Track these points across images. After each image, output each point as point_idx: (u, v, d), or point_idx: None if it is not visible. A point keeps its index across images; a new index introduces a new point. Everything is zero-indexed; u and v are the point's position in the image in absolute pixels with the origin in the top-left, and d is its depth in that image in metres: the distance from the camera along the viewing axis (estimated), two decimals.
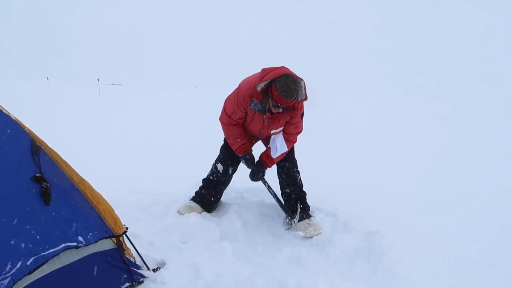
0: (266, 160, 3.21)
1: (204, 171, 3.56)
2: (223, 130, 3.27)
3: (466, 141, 7.73)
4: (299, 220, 3.31)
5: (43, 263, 1.85)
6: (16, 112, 2.17)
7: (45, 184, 1.95)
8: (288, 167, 3.36)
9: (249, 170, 3.30)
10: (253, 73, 3.05)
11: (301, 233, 3.21)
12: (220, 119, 3.25)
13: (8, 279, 1.70)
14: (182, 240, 2.99)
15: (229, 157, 3.37)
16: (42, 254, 1.85)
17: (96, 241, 2.12)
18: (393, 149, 6.78)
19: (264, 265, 2.77)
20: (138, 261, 2.45)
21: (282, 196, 3.47)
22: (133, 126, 8.55)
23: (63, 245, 1.93)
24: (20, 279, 1.76)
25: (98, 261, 2.17)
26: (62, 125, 7.90)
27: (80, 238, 2.03)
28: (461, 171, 5.43)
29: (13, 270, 1.73)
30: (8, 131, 1.96)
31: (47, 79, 17.75)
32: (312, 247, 3.07)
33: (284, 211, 3.32)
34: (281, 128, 3.15)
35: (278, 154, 3.15)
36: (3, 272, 1.70)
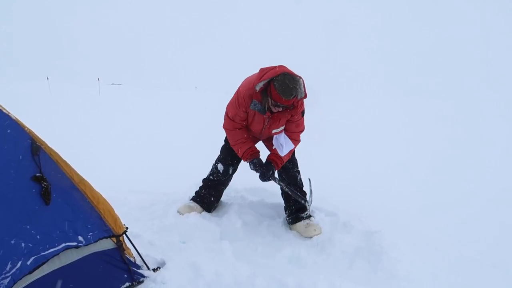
0: (275, 159, 3.15)
1: (204, 171, 3.56)
2: (228, 137, 3.24)
3: (466, 141, 7.73)
4: (299, 221, 3.31)
5: (43, 263, 1.85)
6: (16, 112, 2.17)
7: (45, 183, 1.96)
8: (288, 167, 3.36)
9: (250, 171, 3.29)
10: (253, 74, 3.05)
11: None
12: (224, 126, 3.23)
13: (8, 279, 1.71)
14: (182, 240, 2.99)
15: (229, 157, 3.37)
16: (42, 253, 1.85)
17: (96, 241, 2.12)
18: (393, 149, 6.78)
19: (264, 265, 2.77)
20: (138, 261, 2.46)
21: (282, 196, 3.47)
22: (133, 126, 8.55)
23: (63, 244, 1.94)
24: (20, 278, 1.76)
25: (98, 260, 2.18)
26: (62, 125, 7.90)
27: (80, 238, 2.03)
28: (461, 171, 5.43)
29: (13, 270, 1.73)
30: (8, 131, 1.96)
31: (47, 79, 17.76)
32: (312, 247, 3.07)
33: (298, 198, 3.23)
34: (282, 128, 3.15)
35: (285, 151, 3.12)
36: (3, 272, 1.70)
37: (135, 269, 2.37)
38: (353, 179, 4.78)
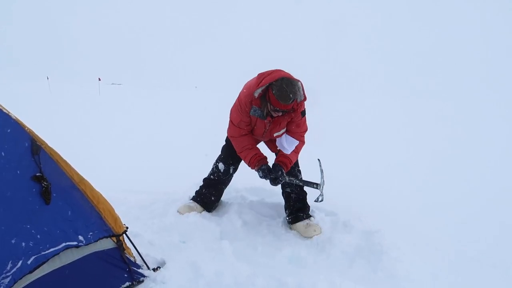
0: (283, 159, 3.10)
1: (204, 171, 3.56)
2: (234, 144, 3.20)
3: (466, 141, 7.73)
4: (299, 221, 3.31)
5: (44, 262, 1.85)
6: (16, 112, 2.17)
7: (45, 183, 1.96)
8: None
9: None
10: (253, 77, 3.04)
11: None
12: (229, 134, 3.21)
13: (8, 278, 1.71)
14: (182, 240, 2.99)
15: (230, 157, 3.37)
16: (43, 253, 1.85)
17: (97, 240, 2.12)
18: (393, 149, 6.78)
19: (264, 265, 2.77)
20: (138, 261, 2.46)
21: (282, 195, 3.47)
22: (133, 126, 8.56)
23: (63, 244, 1.94)
24: (21, 278, 1.76)
25: (99, 260, 2.18)
26: (62, 125, 7.91)
27: (80, 237, 2.03)
28: (461, 171, 5.43)
29: (14, 269, 1.73)
30: (8, 130, 1.96)
31: (47, 78, 17.79)
32: (312, 247, 3.07)
33: (310, 186, 3.17)
34: (283, 130, 3.14)
35: (289, 150, 3.09)
36: (4, 271, 1.70)
37: (135, 268, 2.37)
38: (353, 179, 4.78)
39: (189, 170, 4.34)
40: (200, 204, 3.49)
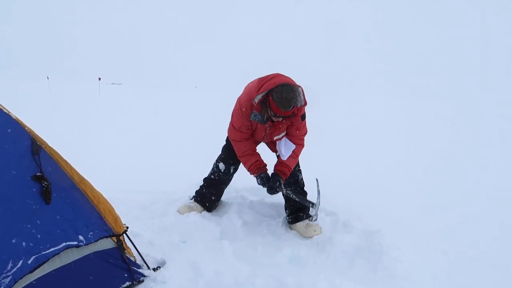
0: (282, 168, 3.12)
1: (204, 171, 3.56)
2: (235, 148, 3.20)
3: (466, 141, 7.74)
4: (299, 220, 3.31)
5: (44, 262, 1.85)
6: (17, 112, 2.17)
7: (45, 183, 1.96)
8: None
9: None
10: (253, 80, 3.04)
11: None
12: (230, 136, 3.22)
13: (9, 278, 1.71)
14: (182, 239, 2.99)
15: (230, 157, 3.37)
16: (43, 253, 1.85)
17: (97, 240, 2.12)
18: (393, 149, 6.79)
19: (264, 265, 2.77)
20: (139, 260, 2.46)
21: (282, 195, 3.47)
22: (133, 126, 8.56)
23: (63, 244, 1.94)
24: (21, 278, 1.76)
25: (99, 260, 2.18)
26: (62, 124, 7.91)
27: (80, 237, 2.03)
28: (461, 171, 5.43)
29: (14, 269, 1.73)
30: (9, 130, 1.97)
31: (47, 78, 17.80)
32: (312, 247, 3.07)
33: (306, 203, 3.18)
34: (283, 134, 3.15)
35: (286, 155, 3.10)
36: (4, 271, 1.70)
37: (135, 268, 2.37)
38: (353, 179, 4.78)
39: (189, 170, 4.34)
40: (200, 204, 3.49)
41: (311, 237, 3.17)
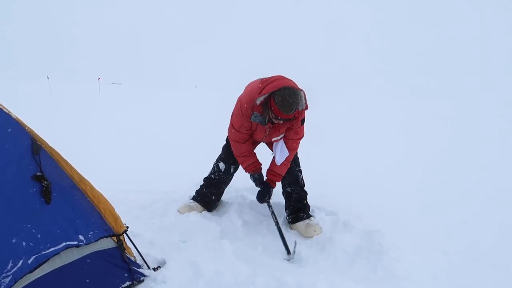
0: (272, 178, 3.20)
1: (204, 171, 3.57)
2: (233, 148, 3.23)
3: (466, 141, 7.74)
4: (299, 220, 3.31)
5: (44, 262, 1.85)
6: (17, 111, 2.17)
7: (45, 183, 1.96)
8: (290, 166, 3.36)
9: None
10: (253, 81, 3.04)
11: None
12: (229, 136, 3.23)
13: (9, 278, 1.71)
14: (183, 239, 2.99)
15: (231, 156, 3.37)
16: (43, 252, 1.85)
17: (97, 240, 2.12)
18: (393, 149, 6.79)
19: (264, 264, 2.77)
20: (139, 260, 2.46)
21: (282, 195, 3.48)
22: (133, 126, 8.56)
23: (64, 243, 1.94)
24: (21, 277, 1.76)
25: (99, 260, 2.18)
26: (62, 124, 7.91)
27: (80, 237, 2.03)
28: (461, 171, 5.43)
29: (14, 269, 1.73)
30: (9, 130, 1.97)
31: (47, 78, 17.80)
32: (312, 246, 3.07)
33: (283, 244, 3.06)
34: (282, 136, 3.15)
35: (279, 160, 3.14)
36: (5, 271, 1.70)
37: (135, 268, 2.37)
38: (353, 179, 4.78)
39: (189, 170, 4.34)
40: (200, 204, 3.49)
41: (311, 237, 3.18)
